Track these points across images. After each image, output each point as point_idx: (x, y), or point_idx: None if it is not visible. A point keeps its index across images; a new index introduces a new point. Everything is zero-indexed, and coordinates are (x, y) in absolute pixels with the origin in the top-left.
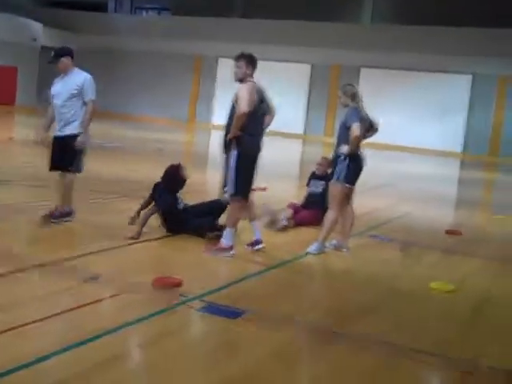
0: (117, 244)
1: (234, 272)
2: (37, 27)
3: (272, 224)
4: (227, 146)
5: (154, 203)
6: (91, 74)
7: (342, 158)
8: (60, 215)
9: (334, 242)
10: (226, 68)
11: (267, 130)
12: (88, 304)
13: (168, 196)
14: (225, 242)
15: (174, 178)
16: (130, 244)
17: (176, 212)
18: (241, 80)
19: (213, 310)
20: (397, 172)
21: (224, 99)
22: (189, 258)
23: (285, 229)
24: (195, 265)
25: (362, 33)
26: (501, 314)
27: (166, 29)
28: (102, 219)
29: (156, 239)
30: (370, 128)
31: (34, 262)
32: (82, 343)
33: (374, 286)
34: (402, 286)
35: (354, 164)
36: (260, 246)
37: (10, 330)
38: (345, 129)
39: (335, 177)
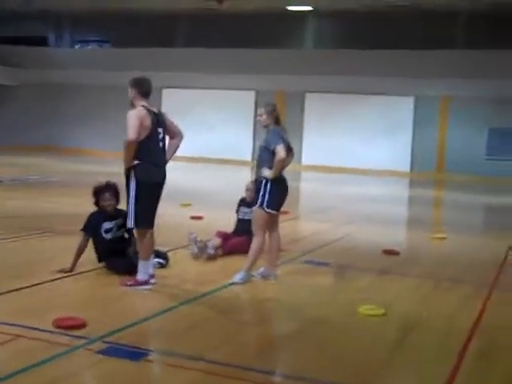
0: (29, 283)
1: (146, 308)
2: None
3: (199, 254)
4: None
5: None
6: (33, 108)
7: (264, 182)
8: None
9: (261, 270)
10: (171, 97)
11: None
12: None
13: (94, 219)
14: (140, 276)
15: (92, 193)
16: (51, 280)
17: (99, 240)
18: (132, 105)
19: (113, 351)
20: (343, 194)
21: None
22: (103, 293)
23: (213, 258)
24: (107, 301)
25: (305, 58)
26: (425, 340)
27: (107, 61)
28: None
29: (84, 272)
30: (288, 152)
31: None
32: None
33: (297, 315)
34: (329, 313)
35: (277, 188)
36: (147, 287)
37: None
38: (266, 151)
39: (258, 202)
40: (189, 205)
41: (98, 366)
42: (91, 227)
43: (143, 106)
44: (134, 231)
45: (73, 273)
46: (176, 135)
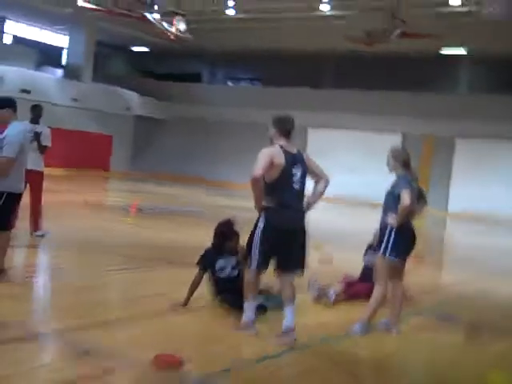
0: (139, 315)
1: (248, 352)
2: (131, 97)
3: (319, 298)
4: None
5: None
6: (183, 141)
7: (389, 229)
8: None
9: (383, 321)
10: (316, 137)
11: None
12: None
13: (210, 255)
14: (244, 317)
15: (218, 232)
16: (161, 314)
17: (213, 276)
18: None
19: None
20: (491, 244)
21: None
22: (209, 331)
23: (333, 304)
24: (211, 340)
25: (457, 102)
26: None
27: (257, 98)
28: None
29: (196, 307)
30: (419, 199)
31: (34, 330)
32: None
33: (416, 376)
34: (453, 377)
35: (402, 236)
36: (252, 331)
37: None
38: (392, 197)
39: (381, 250)
40: (320, 246)
41: None
42: (206, 263)
43: (280, 144)
44: (246, 269)
45: (184, 307)
46: (320, 179)
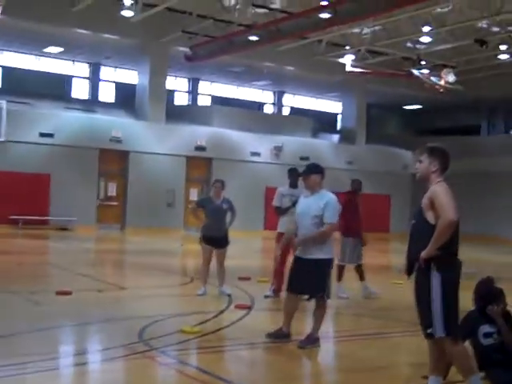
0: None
1: None
2: (407, 155)
3: None
4: (417, 269)
5: None
6: (465, 197)
7: None
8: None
9: None
10: None
11: None
12: None
13: (470, 319)
14: None
15: (479, 292)
16: None
17: (477, 345)
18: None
19: None
20: None
21: None
22: None
23: None
24: None
25: None
26: None
27: None
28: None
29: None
30: None
31: None
32: None
33: None
34: None
35: None
36: None
37: None
38: None
39: None
40: None
41: None
42: (467, 328)
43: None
44: (444, 341)
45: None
46: None
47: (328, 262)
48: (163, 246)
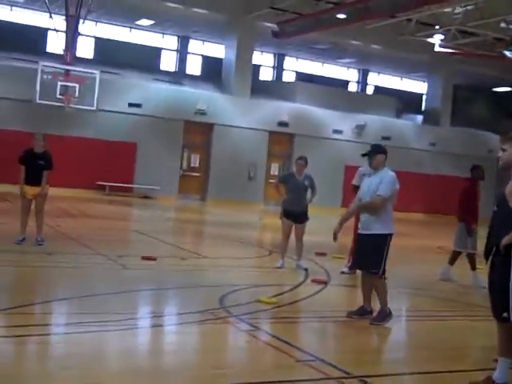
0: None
1: None
2: (493, 139)
3: None
4: (495, 254)
5: None
6: None
7: None
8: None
9: None
10: None
11: None
12: None
13: None
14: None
15: None
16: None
17: None
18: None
19: None
20: None
21: None
22: None
23: None
24: None
25: None
26: None
27: None
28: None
29: None
30: None
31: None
32: None
33: None
34: None
35: None
36: None
37: None
38: None
39: None
40: None
41: None
42: None
43: None
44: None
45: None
46: None
47: (383, 237)
48: (243, 218)
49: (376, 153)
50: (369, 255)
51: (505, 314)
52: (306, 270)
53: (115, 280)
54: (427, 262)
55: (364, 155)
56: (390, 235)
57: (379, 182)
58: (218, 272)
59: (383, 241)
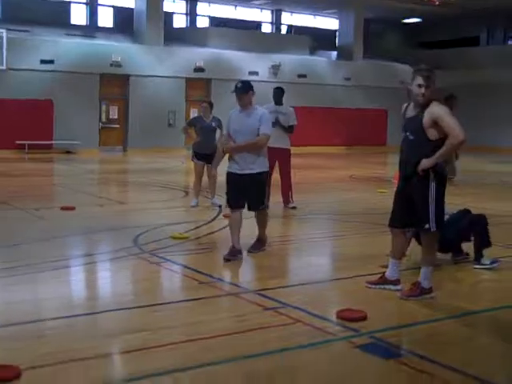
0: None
1: (422, 314)
2: (405, 70)
3: None
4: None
5: None
6: (463, 108)
7: None
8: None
9: None
10: None
11: None
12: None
13: None
14: (425, 282)
15: None
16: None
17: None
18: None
19: (371, 348)
20: None
21: None
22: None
23: None
24: (391, 301)
25: None
26: None
27: None
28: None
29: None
30: None
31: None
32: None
33: None
34: None
35: None
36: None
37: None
38: None
39: None
40: None
41: (347, 358)
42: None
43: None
44: (426, 235)
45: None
46: None
47: (265, 175)
48: (164, 165)
49: (248, 90)
50: (253, 195)
51: (426, 226)
52: (219, 206)
53: (35, 230)
54: (337, 189)
55: (234, 92)
56: (267, 172)
57: (258, 120)
58: (133, 215)
59: (264, 178)
